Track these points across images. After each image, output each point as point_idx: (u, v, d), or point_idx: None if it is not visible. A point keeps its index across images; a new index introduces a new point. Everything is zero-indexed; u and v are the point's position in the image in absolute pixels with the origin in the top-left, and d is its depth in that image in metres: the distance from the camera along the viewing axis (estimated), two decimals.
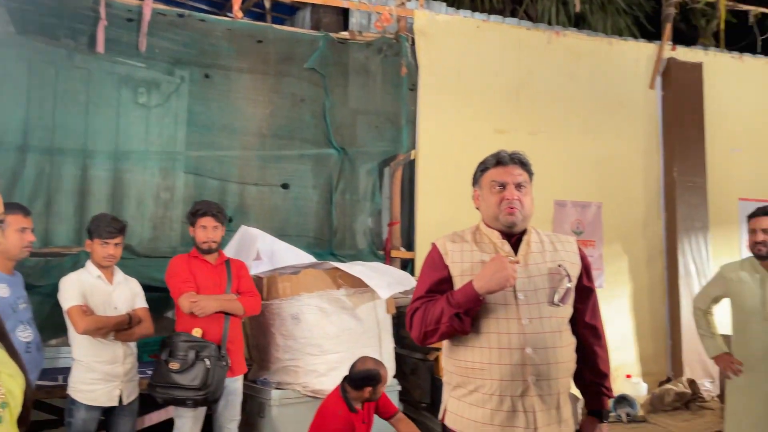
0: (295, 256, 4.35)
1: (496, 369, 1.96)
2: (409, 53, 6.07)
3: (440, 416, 2.16)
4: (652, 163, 6.95)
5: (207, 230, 3.59)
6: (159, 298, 4.00)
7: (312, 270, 3.99)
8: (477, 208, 2.21)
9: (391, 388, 4.14)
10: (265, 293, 3.94)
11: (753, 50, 7.81)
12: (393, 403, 3.60)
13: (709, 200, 6.90)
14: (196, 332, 3.45)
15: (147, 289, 3.65)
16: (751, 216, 3.18)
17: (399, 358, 4.83)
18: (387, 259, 5.80)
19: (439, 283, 2.10)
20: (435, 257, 2.16)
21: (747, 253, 3.22)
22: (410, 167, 6.12)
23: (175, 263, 3.64)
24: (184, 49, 5.29)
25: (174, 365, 3.34)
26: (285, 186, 5.67)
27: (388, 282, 4.00)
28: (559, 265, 2.06)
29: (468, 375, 2.04)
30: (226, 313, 3.54)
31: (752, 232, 3.14)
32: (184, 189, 5.24)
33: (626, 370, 6.44)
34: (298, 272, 3.96)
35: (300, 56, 5.74)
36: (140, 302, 3.52)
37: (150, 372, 3.51)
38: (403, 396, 4.67)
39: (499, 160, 2.13)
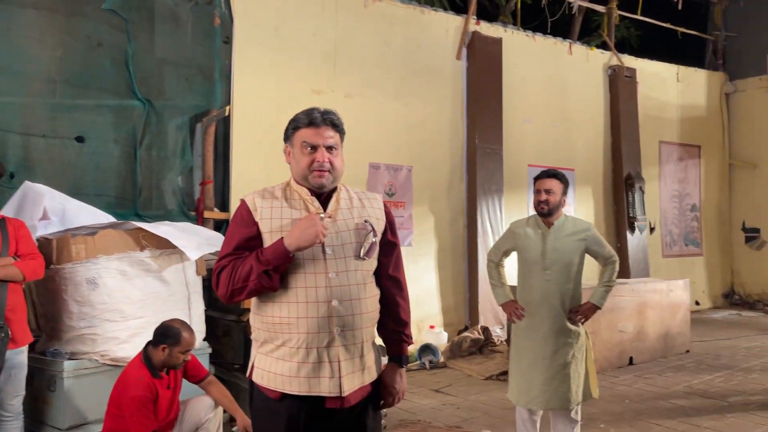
0: (91, 215, 3.96)
1: (303, 322, 1.98)
2: (222, 3, 5.76)
3: (248, 373, 2.14)
4: (457, 130, 7.45)
5: None
6: None
7: (111, 231, 3.67)
8: (288, 163, 2.16)
9: (201, 351, 4.01)
10: (54, 256, 3.54)
11: (544, 30, 8.66)
12: (203, 366, 3.49)
13: (504, 166, 7.61)
14: None
15: None
16: (536, 178, 3.57)
17: (212, 321, 4.69)
18: (199, 220, 5.55)
19: (247, 240, 2.04)
20: (244, 213, 2.08)
21: (533, 212, 3.60)
22: (224, 124, 5.87)
23: None
24: None
25: None
26: (80, 139, 5.12)
27: (197, 243, 3.83)
28: (366, 221, 2.12)
29: (275, 330, 2.02)
30: (3, 280, 3.13)
31: (537, 192, 3.53)
32: None
33: (430, 321, 6.96)
34: (95, 233, 3.62)
35: None
36: None
37: None
38: (216, 358, 4.56)
39: (311, 120, 2.08)
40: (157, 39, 5.56)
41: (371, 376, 2.11)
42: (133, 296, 3.61)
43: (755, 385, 5.46)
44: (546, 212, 3.48)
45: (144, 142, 5.40)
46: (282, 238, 1.96)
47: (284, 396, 2.01)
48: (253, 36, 5.94)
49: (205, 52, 5.76)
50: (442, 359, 6.31)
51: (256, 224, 2.05)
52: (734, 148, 10.61)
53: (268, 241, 2.02)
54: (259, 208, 2.07)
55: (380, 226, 2.18)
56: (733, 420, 4.52)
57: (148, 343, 3.17)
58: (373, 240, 2.12)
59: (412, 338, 2.31)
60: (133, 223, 3.89)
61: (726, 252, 10.62)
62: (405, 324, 2.27)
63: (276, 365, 2.03)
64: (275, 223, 2.04)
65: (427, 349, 6.36)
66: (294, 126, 2.11)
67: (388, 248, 2.21)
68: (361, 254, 2.08)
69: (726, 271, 10.62)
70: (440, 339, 6.71)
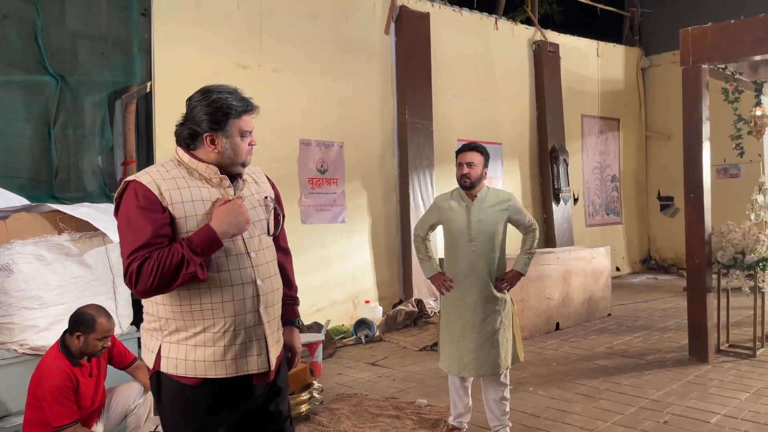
0: (1, 199, 3.73)
1: (229, 306, 1.95)
2: None
3: (152, 365, 2.01)
4: (388, 105, 7.45)
5: None
6: None
7: (24, 214, 3.47)
8: (209, 149, 2.00)
9: (129, 336, 3.89)
10: None
11: (471, 6, 8.74)
12: (129, 351, 3.38)
13: (434, 140, 7.69)
14: None
15: None
16: (458, 152, 3.61)
17: (139, 305, 4.54)
18: None
19: (162, 227, 1.89)
20: (148, 198, 1.91)
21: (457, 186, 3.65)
22: (146, 100, 5.63)
23: None
24: None
25: None
26: None
27: None
28: (266, 197, 2.15)
29: (193, 318, 1.94)
30: None
31: (459, 165, 3.58)
32: None
33: (365, 296, 7.02)
34: (7, 217, 3.41)
35: None
36: None
37: None
38: None
39: (246, 108, 2.04)
40: (68, 11, 5.24)
41: (281, 343, 2.19)
42: (51, 282, 3.44)
43: (670, 344, 5.83)
44: (468, 185, 3.54)
45: (58, 121, 5.11)
46: (208, 225, 1.89)
47: (205, 381, 1.96)
48: (173, 8, 5.70)
49: (122, 25, 5.47)
50: (377, 333, 6.38)
51: (166, 209, 1.91)
52: (650, 120, 11.15)
53: (183, 226, 1.92)
54: (165, 191, 1.93)
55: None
56: (650, 376, 4.81)
57: (65, 331, 3.05)
58: (280, 214, 2.19)
59: (299, 300, 2.42)
60: (49, 205, 3.69)
61: (643, 220, 11.20)
62: (296, 288, 2.39)
63: (194, 352, 1.95)
64: (188, 207, 1.94)
65: (362, 323, 6.41)
66: (233, 114, 2.00)
67: (281, 221, 2.26)
68: (272, 231, 2.14)
69: (643, 237, 11.22)
70: (375, 313, 6.78)
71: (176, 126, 2.07)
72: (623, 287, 9.23)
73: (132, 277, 1.85)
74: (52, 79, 5.06)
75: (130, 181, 1.94)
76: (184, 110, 2.12)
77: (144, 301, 2.01)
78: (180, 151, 2.04)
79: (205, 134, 1.99)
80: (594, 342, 5.95)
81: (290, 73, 6.53)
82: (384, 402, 4.32)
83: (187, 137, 2.01)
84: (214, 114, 1.99)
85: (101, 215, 3.60)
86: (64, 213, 3.54)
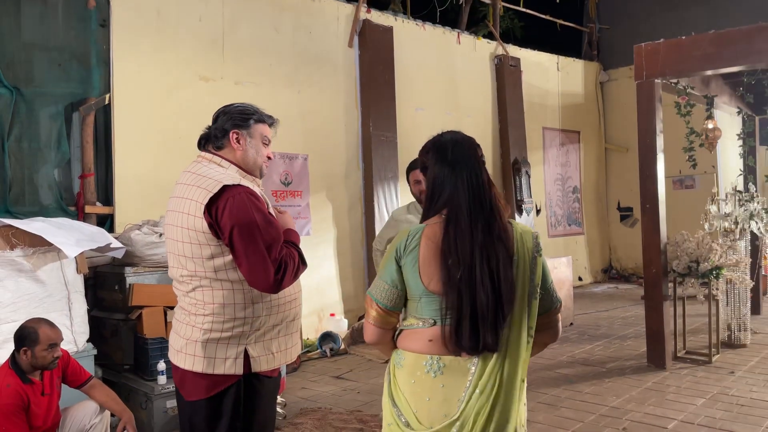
0: None
1: (300, 294, 2.32)
2: None
3: (235, 371, 2.14)
4: (352, 118, 7.48)
5: None
6: None
7: None
8: (235, 146, 2.26)
9: (86, 353, 3.80)
10: None
11: (434, 20, 8.86)
12: (84, 369, 3.29)
13: (399, 153, 7.73)
14: None
15: None
16: (412, 168, 3.56)
17: (98, 321, 4.45)
18: (80, 215, 5.21)
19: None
20: (256, 197, 2.16)
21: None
22: (105, 113, 5.54)
23: None
24: None
25: None
26: None
27: (77, 239, 3.60)
28: (275, 208, 2.43)
29: (280, 310, 2.23)
30: None
31: (417, 182, 3.56)
32: None
33: (330, 309, 6.98)
34: None
35: None
36: None
37: None
38: (104, 360, 4.33)
39: (270, 122, 2.36)
40: (24, 21, 5.13)
41: None
42: (3, 299, 3.34)
43: (630, 351, 5.95)
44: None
45: (12, 133, 4.98)
46: (294, 230, 2.29)
47: (275, 371, 2.31)
48: (132, 20, 5.63)
49: (80, 37, 5.38)
50: (343, 346, 6.35)
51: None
52: (609, 133, 11.43)
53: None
54: (258, 192, 2.21)
55: None
56: (610, 384, 4.90)
57: (14, 349, 2.96)
58: None
59: None
60: (1, 220, 3.59)
61: (604, 230, 11.44)
62: None
63: (271, 345, 2.23)
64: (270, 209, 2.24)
65: (327, 337, 6.38)
66: (257, 118, 2.30)
67: None
68: None
69: (604, 247, 11.46)
70: (340, 326, 6.75)
71: (205, 131, 2.33)
72: (585, 296, 9.39)
73: (281, 273, 2.08)
74: (7, 91, 4.94)
75: (236, 186, 2.13)
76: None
77: (218, 312, 2.13)
78: (210, 155, 2.27)
79: (232, 131, 2.25)
80: (556, 351, 6.04)
81: (253, 86, 6.51)
82: (348, 415, 4.30)
83: (220, 136, 2.25)
84: (240, 114, 2.27)
85: (56, 230, 3.52)
86: (17, 228, 3.45)
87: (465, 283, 1.70)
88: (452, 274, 1.70)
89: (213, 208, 2.08)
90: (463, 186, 1.80)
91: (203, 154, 2.29)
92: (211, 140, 2.28)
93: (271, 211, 2.24)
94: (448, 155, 1.86)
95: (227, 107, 2.31)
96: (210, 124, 2.34)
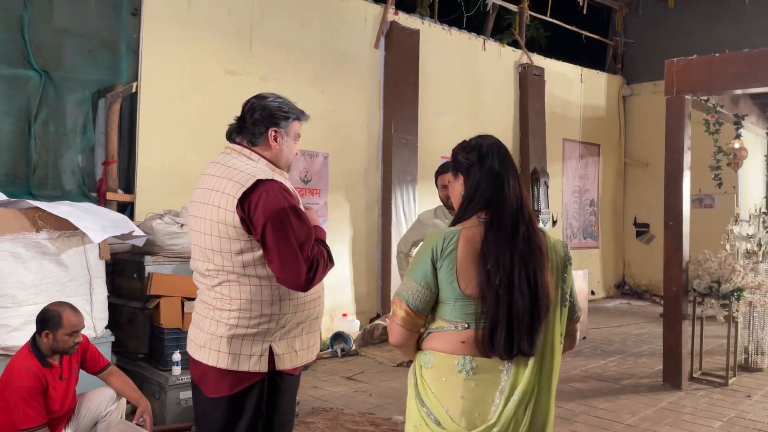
0: None
1: (323, 294, 2.30)
2: None
3: (259, 368, 2.11)
4: (374, 118, 7.46)
5: None
6: None
7: (2, 209, 3.37)
8: (272, 145, 2.22)
9: (103, 340, 3.80)
10: None
11: (460, 25, 8.83)
12: (103, 356, 3.28)
13: (418, 157, 7.70)
14: None
15: None
16: (441, 173, 3.58)
17: (114, 308, 4.44)
18: (101, 202, 5.22)
19: None
20: (288, 192, 2.12)
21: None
22: (131, 101, 5.55)
23: None
24: None
25: None
26: None
27: (102, 225, 3.60)
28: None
29: (305, 309, 2.21)
30: None
31: (444, 187, 3.55)
32: None
33: (343, 310, 6.96)
34: None
35: None
36: None
37: None
38: (119, 347, 4.33)
39: (302, 114, 2.32)
40: (56, 6, 5.15)
41: None
42: (26, 281, 3.34)
43: (644, 369, 5.88)
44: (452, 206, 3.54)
45: (40, 117, 5.00)
46: (317, 225, 2.22)
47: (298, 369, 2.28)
48: (163, 9, 5.65)
49: (111, 24, 5.39)
50: (354, 347, 6.32)
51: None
52: (629, 147, 11.34)
53: None
54: (290, 188, 2.17)
55: None
56: (625, 401, 4.84)
57: (35, 332, 2.96)
58: None
59: None
60: (29, 201, 3.60)
61: (619, 245, 11.35)
62: None
63: (295, 343, 2.20)
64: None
65: (339, 336, 6.36)
66: (293, 116, 2.26)
67: None
68: None
69: (618, 262, 11.36)
70: (352, 327, 6.72)
71: (235, 123, 2.25)
72: (598, 311, 9.31)
73: (313, 271, 2.06)
74: (36, 74, 4.96)
75: (270, 180, 2.08)
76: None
77: (245, 308, 2.10)
78: (240, 148, 2.21)
79: (271, 128, 2.20)
80: (569, 365, 5.97)
81: (278, 82, 6.50)
82: (360, 417, 4.27)
83: (257, 132, 2.19)
84: (280, 110, 2.22)
85: (82, 214, 3.52)
86: (44, 210, 3.45)
87: (503, 287, 1.69)
88: (491, 279, 1.69)
89: (245, 203, 2.04)
90: (507, 191, 1.79)
91: (232, 146, 2.23)
92: (245, 134, 2.22)
93: (301, 207, 2.21)
94: (492, 158, 1.84)
95: (264, 101, 2.24)
96: (239, 115, 2.27)
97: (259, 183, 2.05)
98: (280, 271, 2.04)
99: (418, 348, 1.84)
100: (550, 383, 1.75)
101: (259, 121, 2.20)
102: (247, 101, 2.26)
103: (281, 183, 2.11)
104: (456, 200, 1.89)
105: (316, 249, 2.11)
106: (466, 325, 1.74)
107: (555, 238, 1.88)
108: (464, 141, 1.94)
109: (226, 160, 2.18)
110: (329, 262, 2.18)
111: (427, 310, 1.79)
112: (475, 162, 1.86)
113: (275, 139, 2.21)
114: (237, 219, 2.04)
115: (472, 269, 1.71)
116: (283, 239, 2.02)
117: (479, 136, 1.94)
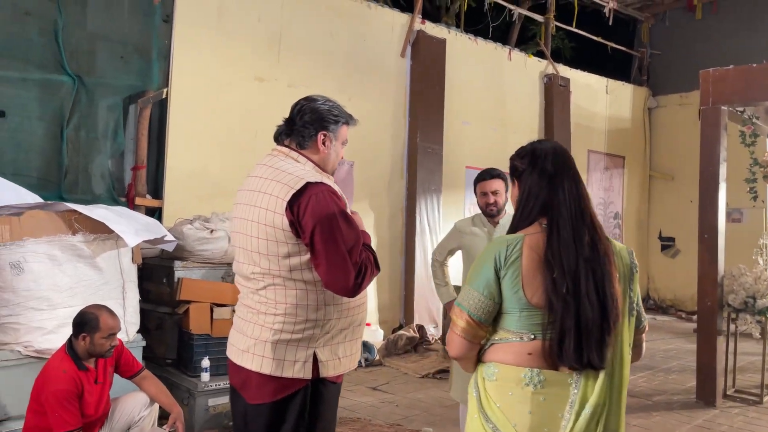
0: (15, 194, 3.63)
1: (366, 300, 2.25)
2: None
3: (303, 375, 2.06)
4: (399, 127, 7.43)
5: None
6: None
7: (40, 212, 3.38)
8: (321, 149, 2.18)
9: (135, 344, 3.78)
10: None
11: (485, 35, 8.80)
12: (137, 360, 3.26)
13: (443, 166, 7.66)
14: None
15: None
16: (480, 180, 3.52)
17: (143, 313, 4.42)
18: (130, 206, 5.24)
19: None
20: (337, 196, 2.09)
21: (470, 214, 3.58)
22: (161, 106, 5.58)
23: None
24: None
25: None
26: (0, 114, 4.71)
27: (135, 228, 3.59)
28: None
29: (351, 314, 2.15)
30: None
31: (483, 194, 3.50)
32: None
33: (366, 319, 6.89)
34: (21, 213, 3.32)
35: None
36: None
37: None
38: (147, 352, 4.30)
39: (351, 119, 2.28)
40: (90, 12, 5.22)
41: None
42: (62, 283, 3.33)
43: (675, 385, 5.75)
44: (495, 213, 3.49)
45: (72, 121, 5.04)
46: (364, 230, 2.16)
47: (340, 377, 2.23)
48: (195, 16, 5.69)
49: (143, 30, 5.44)
50: (377, 357, 6.26)
51: None
52: (654, 160, 11.20)
53: None
54: (340, 195, 2.13)
55: None
56: (659, 418, 4.73)
57: (71, 334, 2.94)
58: None
59: None
60: (65, 204, 3.60)
61: (643, 259, 11.18)
62: None
63: (338, 349, 2.14)
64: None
65: (362, 346, 6.29)
66: (342, 120, 2.23)
67: None
68: None
69: (642, 277, 11.18)
70: (376, 337, 6.66)
71: (283, 124, 2.21)
72: None
73: (361, 277, 2.02)
74: (69, 79, 5.01)
75: (319, 183, 2.04)
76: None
77: (290, 312, 2.06)
78: (288, 150, 2.16)
79: (320, 132, 2.16)
80: None
81: (306, 89, 6.42)
82: (389, 428, 4.21)
83: (306, 135, 2.15)
84: (330, 113, 2.18)
85: (117, 218, 3.52)
86: (80, 213, 3.45)
87: (571, 296, 1.63)
88: (558, 287, 1.63)
89: (295, 206, 2.00)
90: (564, 195, 1.74)
91: (280, 148, 2.20)
92: (295, 136, 2.18)
93: (349, 211, 2.17)
94: (548, 163, 1.80)
95: (314, 103, 2.21)
96: (287, 117, 2.23)
97: (308, 186, 2.02)
98: (327, 275, 2.00)
99: (479, 360, 1.79)
100: (621, 396, 1.68)
101: (308, 124, 2.16)
102: (297, 103, 2.22)
103: (330, 186, 2.08)
104: (515, 208, 1.84)
105: (364, 254, 2.07)
106: (533, 336, 1.67)
107: (620, 245, 1.81)
108: (521, 147, 1.90)
109: (273, 162, 2.14)
110: (375, 268, 2.13)
111: (490, 320, 1.73)
112: (528, 167, 1.82)
113: (324, 143, 2.17)
114: (286, 222, 2.00)
115: (539, 277, 1.66)
116: (331, 243, 1.99)
117: (536, 141, 1.90)
